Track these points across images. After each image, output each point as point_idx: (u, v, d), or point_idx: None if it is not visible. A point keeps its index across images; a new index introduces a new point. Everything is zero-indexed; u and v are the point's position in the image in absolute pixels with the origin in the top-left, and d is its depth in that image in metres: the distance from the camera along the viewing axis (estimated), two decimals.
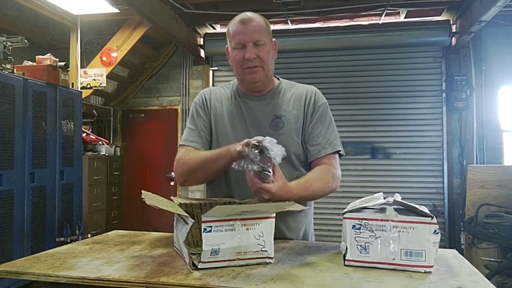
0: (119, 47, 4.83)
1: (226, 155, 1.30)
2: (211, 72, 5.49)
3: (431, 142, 4.94)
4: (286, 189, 1.24)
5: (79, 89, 4.51)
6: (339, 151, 1.47)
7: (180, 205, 1.30)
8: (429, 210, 1.11)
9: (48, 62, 3.84)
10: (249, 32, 1.40)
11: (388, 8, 4.54)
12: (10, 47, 3.52)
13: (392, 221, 1.08)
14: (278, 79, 1.58)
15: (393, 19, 5.02)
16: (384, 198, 1.18)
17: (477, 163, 4.73)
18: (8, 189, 3.25)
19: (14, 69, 3.53)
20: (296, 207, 1.22)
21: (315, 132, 1.47)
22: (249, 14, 1.44)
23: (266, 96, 1.51)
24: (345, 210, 1.17)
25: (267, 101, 1.50)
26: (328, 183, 1.38)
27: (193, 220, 1.08)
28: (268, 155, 1.16)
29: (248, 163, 1.18)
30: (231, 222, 1.08)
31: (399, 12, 4.77)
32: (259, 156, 1.17)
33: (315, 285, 0.96)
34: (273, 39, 1.49)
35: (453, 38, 4.79)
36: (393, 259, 1.07)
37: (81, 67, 4.76)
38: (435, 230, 1.06)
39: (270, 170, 1.18)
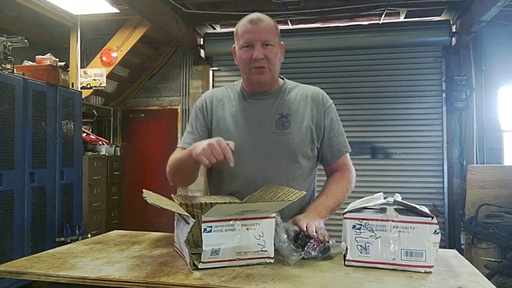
0: (119, 47, 4.83)
1: (189, 158, 1.28)
2: (211, 72, 5.48)
3: (431, 142, 4.93)
4: (318, 220, 1.31)
5: (79, 89, 4.50)
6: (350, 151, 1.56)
7: (181, 204, 1.30)
8: (429, 210, 1.11)
9: (48, 62, 3.84)
10: (258, 31, 1.39)
11: (388, 8, 4.54)
12: (10, 47, 3.51)
13: (392, 221, 1.08)
14: (283, 79, 1.58)
15: (393, 19, 5.01)
16: (384, 198, 1.19)
17: (477, 163, 4.72)
18: (8, 189, 3.25)
19: (14, 69, 3.52)
20: (293, 195, 1.20)
21: (330, 135, 1.51)
22: (259, 14, 1.43)
23: (271, 95, 1.51)
24: (345, 210, 1.17)
25: (272, 100, 1.50)
26: (346, 192, 1.49)
27: (194, 220, 1.08)
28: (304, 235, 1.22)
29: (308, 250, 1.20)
30: (231, 222, 1.08)
31: (399, 12, 4.77)
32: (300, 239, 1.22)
33: (315, 285, 0.96)
34: (281, 42, 1.49)
35: (453, 38, 4.79)
36: (394, 259, 1.07)
37: (81, 67, 4.75)
38: (435, 230, 1.06)
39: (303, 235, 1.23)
